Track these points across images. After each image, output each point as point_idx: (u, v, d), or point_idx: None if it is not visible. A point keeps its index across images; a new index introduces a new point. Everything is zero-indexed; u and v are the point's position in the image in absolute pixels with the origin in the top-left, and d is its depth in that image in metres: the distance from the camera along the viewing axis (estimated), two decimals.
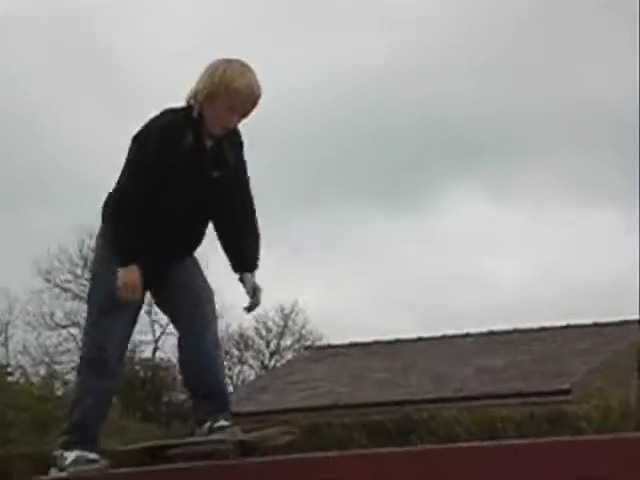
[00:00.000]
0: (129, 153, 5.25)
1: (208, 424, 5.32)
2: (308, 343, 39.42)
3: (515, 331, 25.12)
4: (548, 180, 52.64)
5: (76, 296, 36.82)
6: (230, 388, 41.04)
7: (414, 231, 55.33)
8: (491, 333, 25.36)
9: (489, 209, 53.20)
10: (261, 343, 42.82)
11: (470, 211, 52.35)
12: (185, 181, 5.24)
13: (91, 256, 6.25)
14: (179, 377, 39.61)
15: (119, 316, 5.29)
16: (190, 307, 5.40)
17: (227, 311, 40.43)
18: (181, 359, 5.50)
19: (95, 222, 5.46)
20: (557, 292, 51.35)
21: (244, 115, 5.31)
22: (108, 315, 5.27)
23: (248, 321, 41.62)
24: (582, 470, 4.52)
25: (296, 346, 40.94)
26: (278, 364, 38.78)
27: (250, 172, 5.38)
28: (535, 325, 25.48)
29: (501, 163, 54.48)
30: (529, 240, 54.59)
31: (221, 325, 41.60)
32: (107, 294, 5.20)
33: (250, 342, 42.73)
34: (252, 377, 37.86)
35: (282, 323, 44.30)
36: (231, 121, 5.27)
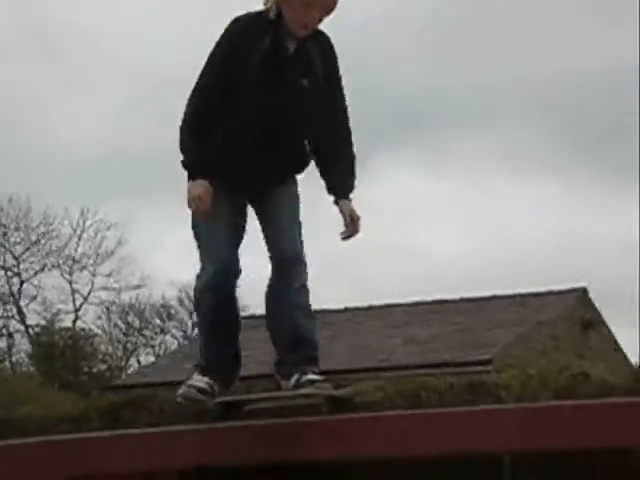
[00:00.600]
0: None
1: (296, 377, 5.11)
2: None
3: (443, 301, 25.56)
4: (483, 151, 53.46)
5: None
6: (152, 358, 41.22)
7: None
8: (419, 304, 25.77)
9: (424, 180, 53.86)
10: (184, 313, 42.99)
11: (404, 182, 52.91)
12: (265, 89, 4.97)
13: None
14: (101, 347, 39.87)
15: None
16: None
17: (147, 280, 40.96)
18: (267, 307, 5.32)
19: None
20: (491, 263, 52.28)
21: (327, 10, 4.98)
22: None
23: (170, 290, 41.91)
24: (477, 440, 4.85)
25: None
26: None
27: None
28: (463, 296, 25.87)
29: (436, 134, 55.07)
30: (463, 211, 55.43)
31: (143, 295, 41.70)
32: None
33: (173, 312, 42.92)
34: (174, 347, 37.81)
35: None
36: (313, 18, 4.96)
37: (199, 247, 5.23)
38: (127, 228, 40.10)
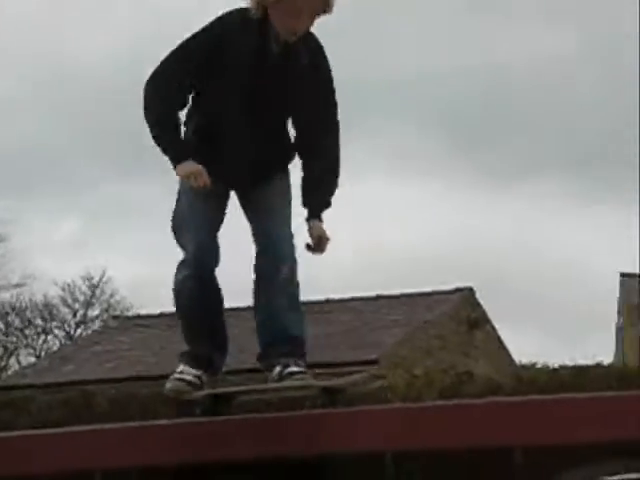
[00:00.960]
0: None
1: (278, 369, 5.15)
2: (116, 313, 39.56)
3: (327, 301, 25.83)
4: (368, 152, 54.12)
5: None
6: (32, 359, 41.40)
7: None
8: (304, 303, 25.96)
9: None
10: (67, 312, 43.00)
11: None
12: (242, 84, 5.05)
13: None
14: None
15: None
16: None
17: (29, 279, 41.19)
18: (255, 298, 5.33)
19: None
20: (382, 263, 53.07)
21: (315, 15, 5.02)
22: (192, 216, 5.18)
23: (54, 290, 41.95)
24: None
25: (104, 316, 41.09)
26: (84, 334, 39.00)
27: None
28: (347, 296, 26.23)
29: None
30: (355, 210, 56.14)
31: (24, 294, 41.75)
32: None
33: (55, 311, 42.88)
34: (56, 347, 38.12)
35: (89, 292, 44.51)
36: (303, 24, 5.03)
37: (178, 239, 5.24)
38: (8, 225, 40.04)
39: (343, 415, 5.24)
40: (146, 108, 5.07)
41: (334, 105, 5.25)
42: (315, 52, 5.16)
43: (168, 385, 5.33)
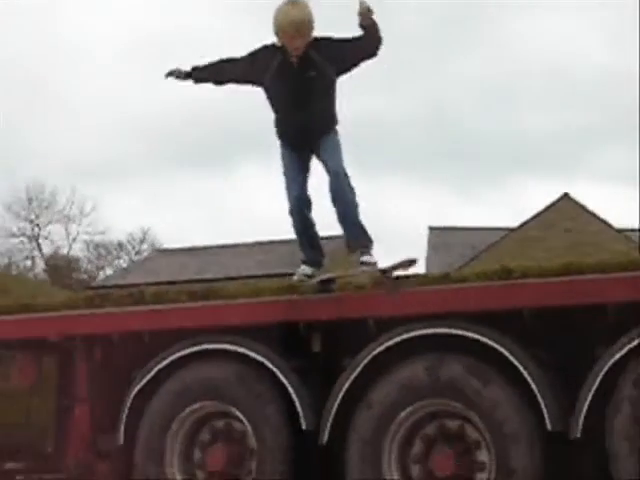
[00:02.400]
0: None
1: (356, 256, 7.51)
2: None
3: None
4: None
5: None
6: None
7: None
8: None
9: None
10: (130, 249, 46.11)
11: None
12: (282, 84, 7.31)
13: None
14: None
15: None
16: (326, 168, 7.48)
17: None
18: (334, 206, 7.50)
19: None
20: None
21: (302, 35, 7.22)
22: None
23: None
24: None
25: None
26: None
27: None
28: None
29: None
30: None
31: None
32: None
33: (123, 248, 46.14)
34: None
35: (142, 235, 47.47)
36: (295, 46, 7.25)
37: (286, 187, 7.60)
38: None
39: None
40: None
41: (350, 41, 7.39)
42: (318, 45, 7.32)
43: (295, 277, 7.85)
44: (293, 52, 7.28)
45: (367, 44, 7.32)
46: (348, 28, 7.31)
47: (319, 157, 7.54)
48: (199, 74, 7.65)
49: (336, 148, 7.50)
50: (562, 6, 58.83)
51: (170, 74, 7.69)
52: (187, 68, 7.69)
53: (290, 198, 7.55)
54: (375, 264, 7.43)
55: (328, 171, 7.46)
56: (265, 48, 7.42)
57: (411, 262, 7.61)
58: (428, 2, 57.40)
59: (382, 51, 7.35)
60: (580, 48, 60.73)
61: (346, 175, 7.43)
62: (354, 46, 7.35)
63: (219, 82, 7.69)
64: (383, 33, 7.26)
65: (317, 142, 7.49)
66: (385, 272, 7.42)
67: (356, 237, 7.55)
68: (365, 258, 7.45)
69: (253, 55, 7.47)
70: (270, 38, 7.35)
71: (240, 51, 7.59)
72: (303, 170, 7.63)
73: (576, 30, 60.61)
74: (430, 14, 55.93)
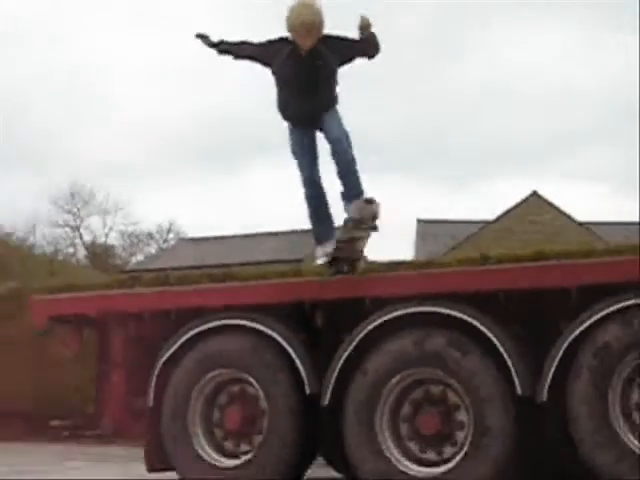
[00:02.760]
0: None
1: (355, 202, 7.26)
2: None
3: None
4: None
5: None
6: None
7: None
8: None
9: None
10: (158, 238, 46.35)
11: None
12: (291, 72, 7.23)
13: None
14: None
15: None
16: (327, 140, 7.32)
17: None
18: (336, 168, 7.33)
19: None
20: None
21: (312, 35, 7.10)
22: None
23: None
24: None
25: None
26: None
27: None
28: None
29: None
30: None
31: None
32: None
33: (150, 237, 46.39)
34: None
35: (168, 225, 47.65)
36: (305, 43, 7.14)
37: (297, 162, 7.43)
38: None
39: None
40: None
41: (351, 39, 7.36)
42: (328, 42, 7.21)
43: (318, 261, 7.58)
44: (304, 48, 7.19)
45: (368, 48, 7.39)
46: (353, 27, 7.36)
47: (322, 129, 7.42)
48: (223, 46, 7.50)
49: (337, 119, 7.39)
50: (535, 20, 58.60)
51: (200, 36, 7.55)
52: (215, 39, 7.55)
53: (302, 179, 7.44)
54: (373, 201, 7.38)
55: (330, 139, 7.35)
56: (281, 39, 7.33)
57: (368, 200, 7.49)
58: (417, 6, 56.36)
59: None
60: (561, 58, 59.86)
61: (347, 138, 7.35)
62: (358, 46, 7.38)
63: (238, 56, 7.54)
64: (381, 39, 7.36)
65: (320, 118, 7.37)
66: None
67: (350, 189, 7.34)
68: (362, 201, 7.34)
69: (270, 42, 7.38)
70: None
71: None
72: (311, 150, 7.49)
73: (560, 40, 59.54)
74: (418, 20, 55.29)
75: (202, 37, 7.53)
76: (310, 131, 7.47)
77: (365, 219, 7.29)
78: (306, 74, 7.24)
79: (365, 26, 7.30)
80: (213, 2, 59.24)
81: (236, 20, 53.21)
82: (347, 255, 7.40)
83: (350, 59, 7.43)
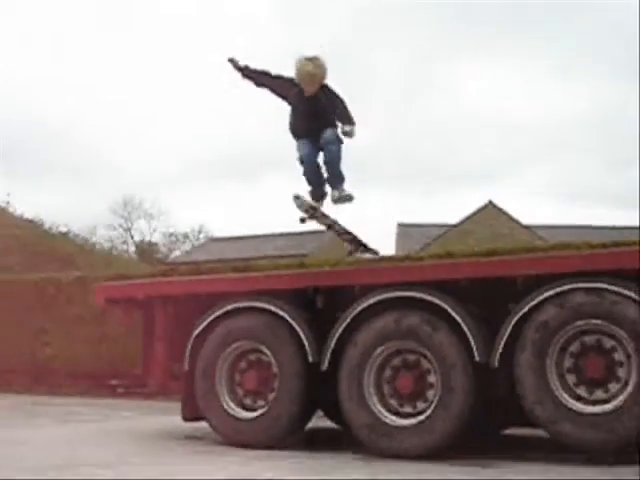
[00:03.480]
0: None
1: (336, 192, 7.32)
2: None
3: None
4: None
5: None
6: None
7: None
8: None
9: None
10: (193, 239, 46.26)
11: None
12: (300, 106, 7.22)
13: None
14: None
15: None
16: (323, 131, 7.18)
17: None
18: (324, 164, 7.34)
19: None
20: None
21: (314, 84, 7.06)
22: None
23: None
24: None
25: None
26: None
27: None
28: None
29: None
30: None
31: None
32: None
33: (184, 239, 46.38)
34: None
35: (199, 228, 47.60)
36: (308, 89, 7.13)
37: (296, 142, 7.35)
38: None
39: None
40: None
41: (342, 101, 7.20)
42: (326, 91, 7.16)
43: (296, 204, 7.46)
44: (308, 92, 7.14)
45: (343, 119, 7.22)
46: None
47: (321, 139, 7.27)
48: (248, 72, 7.30)
49: (333, 133, 7.23)
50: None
51: (230, 60, 7.32)
52: (242, 63, 7.35)
53: (300, 154, 7.30)
54: (348, 195, 7.32)
55: (324, 140, 7.24)
56: (292, 79, 7.23)
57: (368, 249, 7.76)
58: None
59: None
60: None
61: (338, 142, 7.23)
62: (337, 113, 7.22)
63: (259, 85, 7.34)
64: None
65: (321, 134, 7.26)
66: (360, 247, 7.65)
67: (335, 180, 7.31)
68: (342, 191, 7.31)
69: (285, 79, 7.25)
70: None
71: None
72: (313, 146, 7.31)
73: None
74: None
75: (232, 61, 7.31)
76: (313, 142, 7.35)
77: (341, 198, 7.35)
78: (311, 109, 7.17)
79: (348, 133, 7.18)
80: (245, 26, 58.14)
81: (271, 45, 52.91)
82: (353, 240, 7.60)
83: (333, 116, 7.27)
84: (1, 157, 44.41)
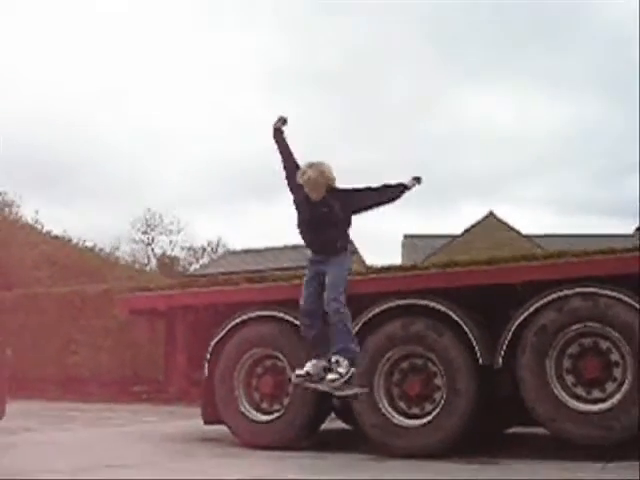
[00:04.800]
0: None
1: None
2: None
3: None
4: None
5: None
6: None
7: None
8: None
9: None
10: (207, 247, 46.38)
11: None
12: (305, 211, 6.27)
13: None
14: None
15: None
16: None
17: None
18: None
19: None
20: None
21: (317, 191, 6.14)
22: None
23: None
24: None
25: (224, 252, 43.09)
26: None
27: None
28: None
29: None
30: None
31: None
32: None
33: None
34: None
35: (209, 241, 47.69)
36: (312, 195, 6.21)
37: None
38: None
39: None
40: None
41: (368, 190, 6.28)
42: (338, 195, 6.22)
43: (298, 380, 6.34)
44: (313, 198, 6.27)
45: (382, 197, 6.35)
46: None
47: (325, 270, 6.27)
48: (280, 138, 6.52)
49: (339, 267, 6.23)
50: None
51: (281, 118, 6.53)
52: (284, 126, 6.56)
53: (300, 308, 6.37)
54: (338, 378, 6.05)
55: (326, 297, 6.15)
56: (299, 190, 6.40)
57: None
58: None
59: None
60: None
61: (336, 301, 6.07)
62: (372, 195, 6.31)
63: (281, 153, 6.52)
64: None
65: (327, 260, 6.29)
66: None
67: (337, 349, 6.10)
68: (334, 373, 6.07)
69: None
70: None
71: None
72: (313, 283, 6.33)
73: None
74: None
75: (281, 120, 6.55)
76: (316, 266, 6.37)
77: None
78: (316, 217, 6.27)
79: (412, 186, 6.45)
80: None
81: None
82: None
83: (365, 207, 6.35)
84: (31, 176, 44.61)
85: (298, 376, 6.20)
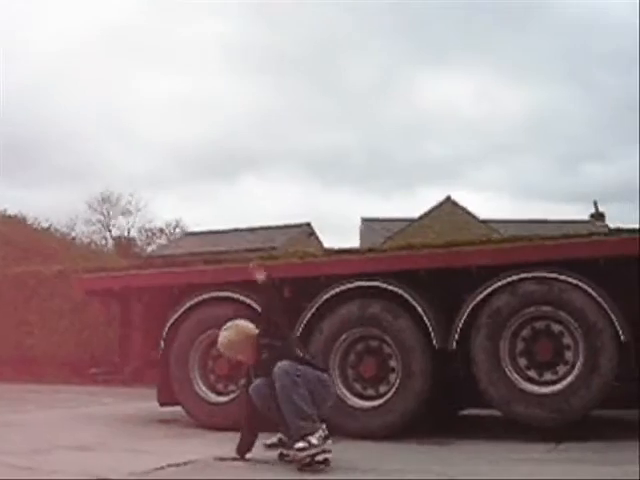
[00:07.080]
0: None
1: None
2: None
3: None
4: None
5: None
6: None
7: None
8: None
9: None
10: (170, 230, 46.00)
11: None
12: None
13: None
14: None
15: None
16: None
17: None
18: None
19: None
20: None
21: (232, 354, 5.75)
22: None
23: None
24: None
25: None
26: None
27: None
28: None
29: None
30: None
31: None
32: None
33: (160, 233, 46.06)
34: None
35: (175, 222, 47.33)
36: (231, 357, 5.87)
37: None
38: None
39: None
40: None
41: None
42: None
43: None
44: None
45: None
46: None
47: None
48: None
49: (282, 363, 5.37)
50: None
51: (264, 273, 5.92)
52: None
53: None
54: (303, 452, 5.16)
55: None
56: None
57: None
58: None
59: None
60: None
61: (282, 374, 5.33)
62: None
63: None
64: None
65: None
66: None
67: (291, 425, 5.28)
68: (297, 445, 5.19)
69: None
70: None
71: None
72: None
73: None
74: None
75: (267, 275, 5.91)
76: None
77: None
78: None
79: None
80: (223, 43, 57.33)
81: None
82: None
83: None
84: None
85: (271, 445, 5.60)
